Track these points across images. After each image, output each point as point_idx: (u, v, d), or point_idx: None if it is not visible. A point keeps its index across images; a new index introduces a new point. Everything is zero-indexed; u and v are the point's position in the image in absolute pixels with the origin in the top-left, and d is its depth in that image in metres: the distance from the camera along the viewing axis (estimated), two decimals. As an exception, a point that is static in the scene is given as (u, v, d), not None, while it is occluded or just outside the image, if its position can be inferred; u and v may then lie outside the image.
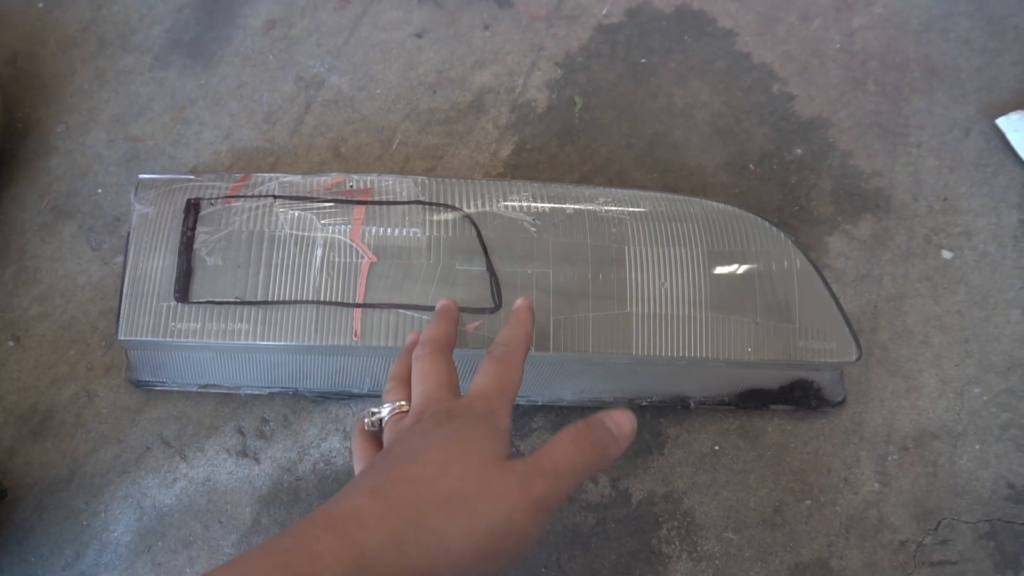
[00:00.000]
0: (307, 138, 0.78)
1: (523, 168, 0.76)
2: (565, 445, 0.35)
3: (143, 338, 0.59)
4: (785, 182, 0.75)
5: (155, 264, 0.60)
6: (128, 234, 0.62)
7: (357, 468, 0.44)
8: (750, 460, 0.64)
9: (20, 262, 0.73)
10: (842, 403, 0.63)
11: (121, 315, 0.59)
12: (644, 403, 0.63)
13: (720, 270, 0.59)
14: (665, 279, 0.58)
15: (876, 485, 0.63)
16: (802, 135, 0.78)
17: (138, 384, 0.65)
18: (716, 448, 0.64)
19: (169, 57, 0.83)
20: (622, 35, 0.83)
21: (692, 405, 0.63)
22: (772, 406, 0.63)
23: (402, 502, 0.31)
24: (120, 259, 0.72)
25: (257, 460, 0.64)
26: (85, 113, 0.80)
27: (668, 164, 0.76)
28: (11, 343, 0.70)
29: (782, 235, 0.60)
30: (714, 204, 0.61)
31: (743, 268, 0.59)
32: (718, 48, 0.83)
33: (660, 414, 0.65)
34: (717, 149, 0.77)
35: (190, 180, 0.64)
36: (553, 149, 0.77)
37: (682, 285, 0.58)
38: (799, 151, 0.77)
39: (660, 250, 0.59)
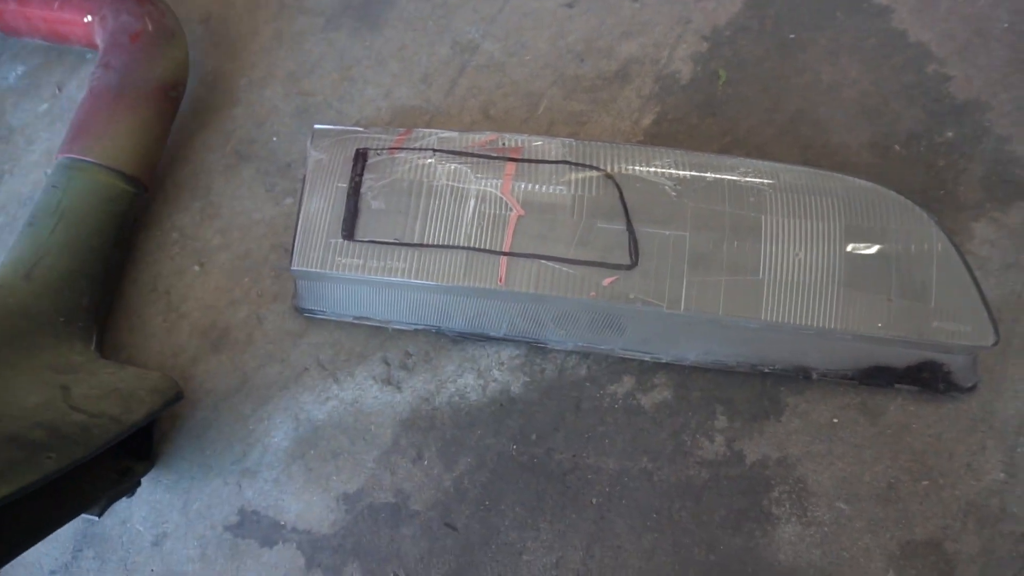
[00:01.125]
0: (460, 99, 0.83)
1: (663, 138, 0.78)
2: None
3: (312, 269, 0.67)
4: (932, 165, 0.74)
5: (326, 205, 0.67)
6: (303, 177, 0.70)
7: None
8: (869, 436, 0.64)
9: (206, 198, 0.83)
10: (973, 389, 0.63)
11: (295, 248, 0.67)
12: (766, 370, 0.65)
13: (856, 245, 0.60)
14: (800, 250, 0.60)
15: (1002, 475, 0.62)
16: (955, 118, 0.76)
17: (302, 311, 0.73)
18: (835, 420, 0.65)
19: (340, 20, 0.91)
20: (772, 9, 0.84)
21: (814, 376, 0.64)
22: (897, 385, 0.63)
23: None
24: (290, 200, 0.81)
25: (399, 388, 0.71)
26: (264, 69, 0.89)
27: (810, 141, 0.76)
28: (196, 268, 0.80)
29: (925, 215, 0.60)
30: (856, 180, 0.62)
31: (881, 245, 0.59)
32: (872, 25, 0.81)
33: (780, 382, 0.67)
34: (862, 128, 0.76)
35: (359, 132, 0.71)
36: (694, 120, 0.79)
37: (816, 257, 0.59)
38: (950, 134, 0.75)
39: (797, 222, 0.60)
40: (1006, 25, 0.79)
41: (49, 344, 0.63)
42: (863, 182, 0.63)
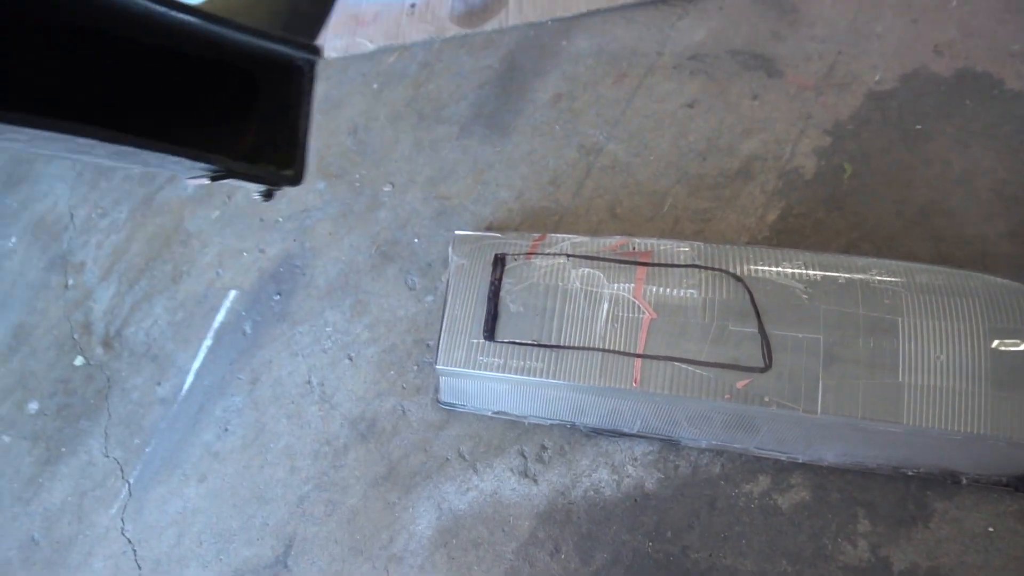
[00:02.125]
0: (587, 199, 0.88)
1: (789, 233, 0.79)
2: None
3: (456, 368, 0.72)
4: (1082, 256, 0.71)
5: (468, 307, 0.73)
6: (447, 281, 0.76)
7: None
8: (1030, 547, 0.61)
9: (356, 295, 0.92)
10: None
11: (440, 348, 0.73)
12: (910, 472, 0.63)
13: (1004, 347, 0.58)
14: (941, 352, 0.59)
15: None
16: (1104, 205, 0.73)
17: (444, 405, 0.78)
18: (991, 530, 0.62)
19: (472, 127, 0.99)
20: (895, 101, 0.84)
21: (964, 481, 0.62)
22: (1060, 493, 0.60)
23: None
24: (430, 298, 0.87)
25: (536, 481, 0.75)
26: (406, 175, 0.98)
27: (942, 232, 0.75)
28: (347, 361, 0.88)
29: (1078, 316, 0.58)
30: (996, 280, 0.61)
31: (1030, 348, 0.58)
32: (1005, 111, 0.80)
33: (927, 486, 0.65)
34: (1000, 218, 0.75)
35: (496, 237, 0.76)
36: (820, 215, 0.80)
37: (960, 359, 0.59)
38: (1099, 222, 0.72)
39: (936, 323, 0.60)
40: None
41: None
42: (1004, 281, 0.62)
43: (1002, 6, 0.85)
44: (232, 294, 0.97)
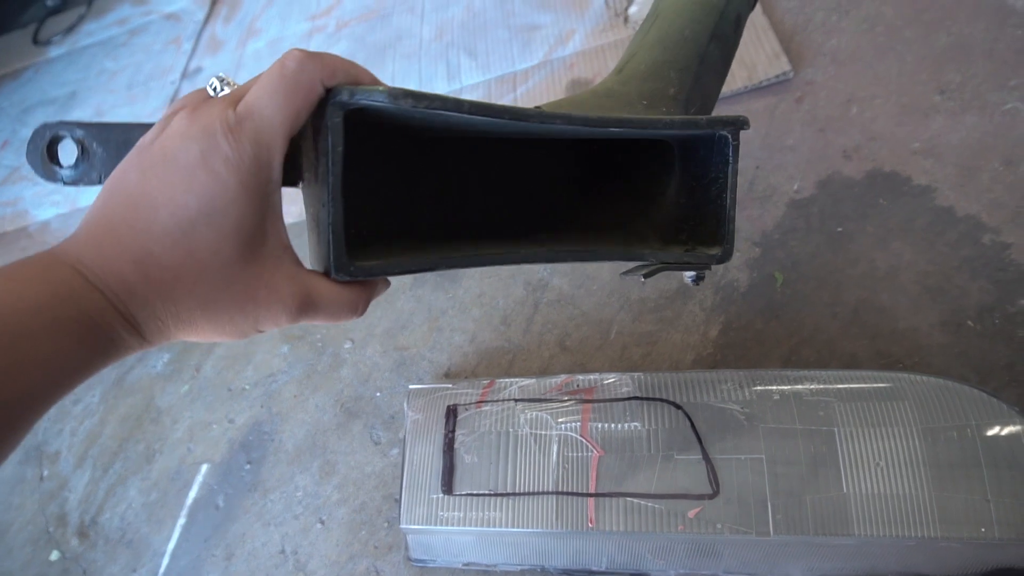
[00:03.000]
0: (537, 335, 0.91)
1: (731, 347, 0.82)
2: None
3: (419, 526, 0.72)
4: (1011, 336, 0.74)
5: (426, 462, 0.74)
6: (404, 437, 0.77)
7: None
8: (1010, 646, 0.60)
9: (324, 456, 0.92)
10: (1117, 582, 0.58)
11: (402, 507, 0.73)
12: (879, 582, 0.63)
13: (939, 448, 0.59)
14: (880, 459, 0.60)
15: None
16: (1024, 285, 0.76)
17: (415, 562, 0.78)
18: (968, 632, 0.61)
19: (424, 277, 1.03)
20: (815, 207, 0.89)
21: (933, 585, 0.61)
22: (1027, 586, 0.60)
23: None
24: (395, 451, 0.88)
25: (513, 633, 0.73)
26: (365, 330, 1.01)
27: (877, 329, 0.78)
28: (319, 525, 0.87)
29: (1004, 407, 0.60)
30: (925, 379, 0.63)
31: (964, 445, 0.59)
32: (917, 206, 0.85)
33: (899, 593, 0.64)
34: (928, 309, 0.78)
35: (448, 388, 0.78)
36: (759, 326, 0.82)
37: (899, 464, 0.60)
38: (1023, 301, 0.75)
39: (871, 430, 0.61)
40: (1052, 188, 0.81)
41: None
42: (933, 379, 0.64)
43: (898, 110, 0.92)
44: (204, 468, 0.97)
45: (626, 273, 0.51)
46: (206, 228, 0.30)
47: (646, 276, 0.48)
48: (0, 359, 0.26)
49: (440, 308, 0.98)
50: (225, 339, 0.34)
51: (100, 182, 0.37)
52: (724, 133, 0.43)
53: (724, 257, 0.46)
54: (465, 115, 0.34)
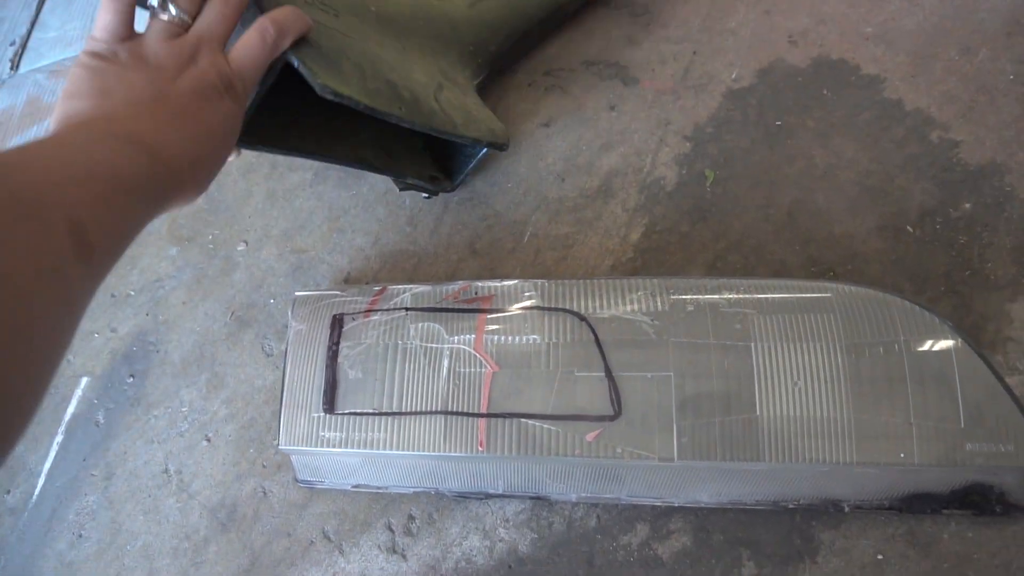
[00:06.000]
0: (445, 237, 0.82)
1: (653, 251, 0.74)
2: (253, 50, 0.48)
3: (299, 447, 0.65)
4: (952, 243, 0.67)
5: (307, 378, 0.66)
6: (285, 349, 0.69)
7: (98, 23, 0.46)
8: (923, 572, 0.56)
9: (212, 369, 0.84)
10: (1037, 507, 0.54)
11: (280, 426, 0.66)
12: (791, 505, 0.58)
13: (862, 365, 0.53)
14: (799, 378, 0.54)
15: (1089, 607, 0.53)
16: (971, 186, 0.69)
17: (302, 483, 0.71)
18: (879, 557, 0.57)
19: (326, 172, 0.92)
20: (754, 98, 0.80)
21: (846, 508, 0.57)
22: (945, 511, 0.55)
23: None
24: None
25: (404, 557, 0.68)
26: (260, 230, 0.91)
27: (811, 234, 0.71)
28: (204, 443, 0.80)
29: (936, 320, 0.54)
30: (851, 289, 0.56)
31: (889, 362, 0.53)
32: (863, 99, 0.76)
33: (811, 516, 0.60)
34: (867, 212, 0.70)
35: (336, 296, 0.70)
36: (684, 228, 0.74)
37: (818, 384, 0.54)
38: (967, 205, 0.68)
39: (791, 346, 0.55)
40: (1011, 77, 0.73)
41: (451, 56, 0.78)
42: (860, 289, 0.57)
43: (852, -13, 0.81)
44: (84, 381, 0.89)
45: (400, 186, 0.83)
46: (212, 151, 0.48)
47: (401, 189, 0.83)
48: (123, 197, 0.38)
49: (342, 207, 0.88)
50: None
51: None
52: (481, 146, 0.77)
53: (449, 188, 0.83)
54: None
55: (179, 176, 0.43)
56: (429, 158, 0.82)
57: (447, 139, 0.71)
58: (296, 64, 0.53)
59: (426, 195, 0.84)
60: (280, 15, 0.49)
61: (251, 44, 0.47)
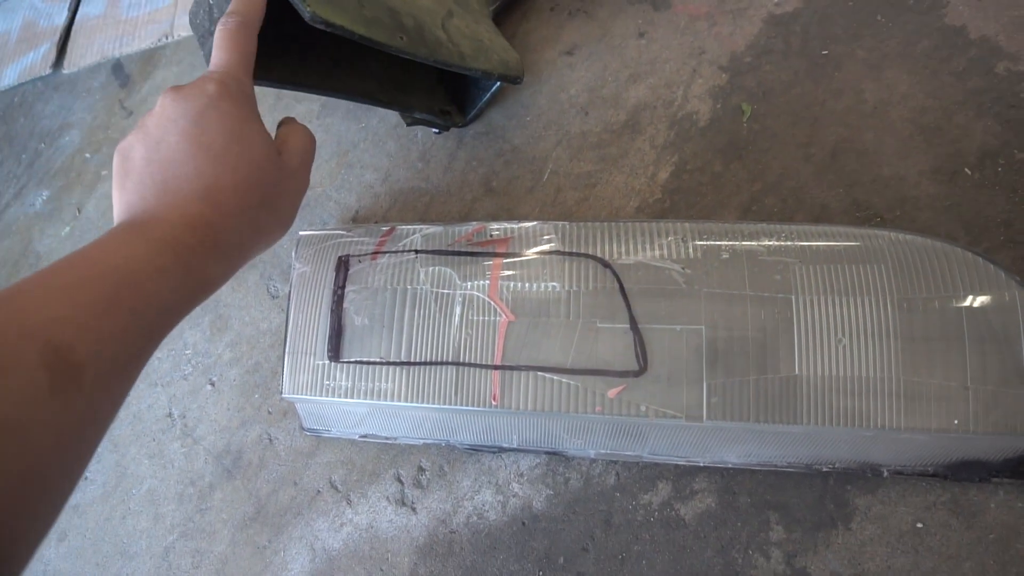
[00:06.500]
0: (460, 174, 0.77)
1: (683, 192, 0.68)
2: (221, 41, 0.46)
3: (303, 396, 0.62)
4: (1015, 188, 0.61)
5: (311, 323, 0.62)
6: (289, 293, 0.65)
7: None
8: (966, 543, 0.52)
9: (216, 311, 0.81)
10: (1094, 479, 0.50)
11: (284, 374, 0.63)
12: (825, 469, 0.54)
13: (915, 322, 0.48)
14: (843, 335, 0.49)
15: None
16: (1038, 125, 0.62)
17: (308, 431, 0.68)
18: (919, 526, 0.54)
19: (334, 104, 0.86)
20: (798, 24, 0.72)
21: (885, 473, 0.53)
22: (995, 479, 0.51)
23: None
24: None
25: (414, 510, 0.65)
26: (265, 164, 0.86)
27: (856, 176, 0.65)
28: (208, 387, 0.77)
29: (1002, 274, 0.48)
30: (906, 237, 0.51)
31: (946, 318, 0.48)
32: (922, 25, 0.69)
33: (846, 480, 0.56)
34: (920, 153, 0.64)
35: (342, 236, 0.65)
36: (717, 168, 0.69)
37: (865, 342, 0.49)
38: (1034, 146, 0.62)
39: (837, 299, 0.50)
40: (1093, 2, 0.65)
41: None
42: (916, 237, 0.51)
43: (914, -102, 0.73)
44: (86, 320, 0.85)
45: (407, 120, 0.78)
46: (236, 154, 0.43)
47: (408, 124, 0.78)
48: (129, 301, 0.33)
49: (351, 140, 0.83)
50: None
51: None
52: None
53: (462, 124, 0.78)
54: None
55: (231, 229, 0.42)
56: (443, 90, 0.77)
57: (455, 72, 0.66)
58: None
59: (436, 130, 0.79)
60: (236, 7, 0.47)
61: (218, 38, 0.46)
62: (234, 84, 0.44)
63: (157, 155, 0.40)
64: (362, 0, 0.55)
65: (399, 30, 0.58)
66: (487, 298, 0.57)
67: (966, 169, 0.63)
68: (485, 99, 0.75)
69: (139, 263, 0.35)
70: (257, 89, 0.78)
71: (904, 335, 0.48)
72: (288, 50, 0.61)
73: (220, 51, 0.45)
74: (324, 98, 0.87)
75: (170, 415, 0.78)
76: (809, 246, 0.52)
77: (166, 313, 0.36)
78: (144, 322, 0.34)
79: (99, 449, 0.76)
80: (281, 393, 0.63)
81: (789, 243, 0.53)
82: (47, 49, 1.13)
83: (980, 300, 0.48)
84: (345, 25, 0.51)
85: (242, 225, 0.42)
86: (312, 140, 0.52)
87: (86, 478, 0.79)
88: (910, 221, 0.62)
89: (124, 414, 0.80)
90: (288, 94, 0.89)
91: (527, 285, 0.56)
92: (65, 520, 0.78)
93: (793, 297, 0.51)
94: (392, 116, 0.82)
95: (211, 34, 0.53)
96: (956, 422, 0.47)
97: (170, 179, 0.40)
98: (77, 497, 0.79)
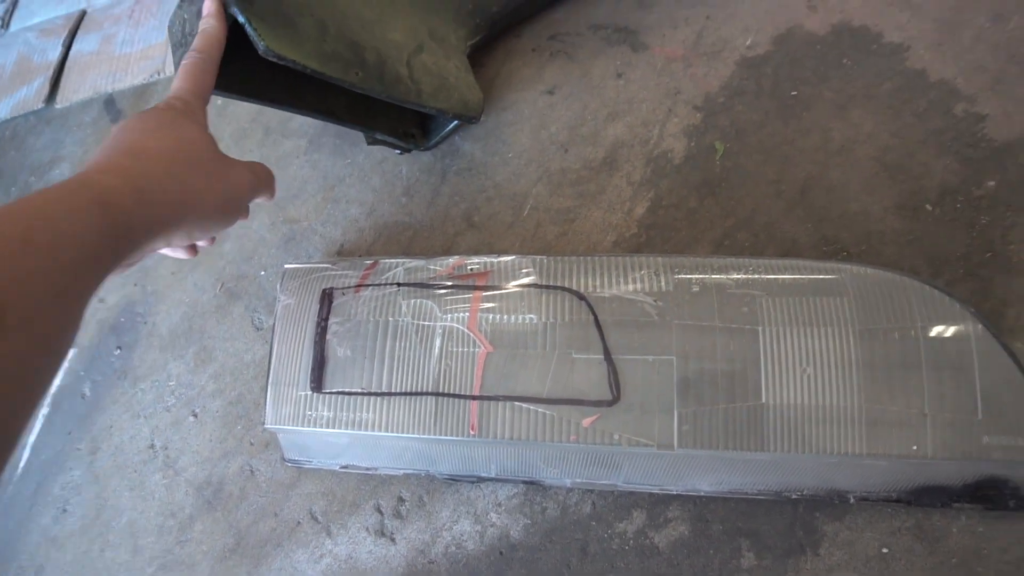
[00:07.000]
0: (442, 209, 0.79)
1: (659, 227, 0.71)
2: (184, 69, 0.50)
3: (285, 427, 0.62)
4: (973, 223, 0.64)
5: (295, 354, 0.64)
6: (274, 324, 0.66)
7: None
8: (929, 568, 0.54)
9: (200, 342, 0.82)
10: (1053, 504, 0.51)
11: (267, 405, 0.64)
12: (794, 496, 0.56)
13: (876, 352, 0.50)
14: (808, 364, 0.51)
15: (1107, 608, 0.50)
16: (996, 163, 0.65)
17: (289, 462, 0.69)
18: (885, 551, 0.55)
19: (321, 139, 0.89)
20: (769, 67, 0.76)
21: (851, 500, 0.54)
22: (956, 505, 0.53)
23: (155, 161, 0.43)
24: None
25: (393, 540, 0.66)
26: (252, 199, 0.88)
27: (824, 212, 0.67)
28: (192, 418, 0.78)
29: (955, 304, 0.50)
30: (868, 271, 0.53)
31: (905, 348, 0.50)
32: (885, 68, 0.72)
33: (814, 507, 0.57)
34: (884, 189, 0.67)
35: (327, 269, 0.67)
36: (692, 204, 0.71)
37: (829, 371, 0.51)
38: (991, 184, 0.65)
39: (801, 330, 0.52)
40: (1044, 49, 0.69)
41: (446, 14, 0.76)
42: (875, 270, 0.54)
43: (876, -50, 0.77)
44: (70, 352, 0.86)
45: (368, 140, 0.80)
46: (167, 135, 0.44)
47: (369, 143, 0.81)
48: (44, 239, 0.33)
49: (337, 175, 0.85)
50: (216, 223, 0.50)
51: None
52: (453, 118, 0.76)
53: (423, 147, 0.81)
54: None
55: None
56: (411, 114, 0.80)
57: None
58: (242, 21, 0.51)
59: (398, 151, 0.83)
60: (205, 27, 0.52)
61: (180, 70, 0.50)
62: (182, 105, 0.47)
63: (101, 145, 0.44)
64: (327, 31, 0.58)
65: (357, 65, 0.60)
66: (466, 330, 0.58)
67: (927, 205, 0.65)
68: (447, 129, 0.79)
69: (53, 205, 0.35)
70: (244, 124, 0.81)
71: (865, 364, 0.50)
72: (258, 66, 0.60)
73: (179, 80, 0.49)
74: (311, 133, 0.89)
75: (152, 446, 0.78)
76: (775, 279, 0.54)
77: (88, 254, 0.35)
78: (64, 261, 0.34)
79: (79, 481, 0.76)
80: (264, 424, 0.64)
81: (756, 276, 0.55)
82: (40, 84, 1.16)
83: (937, 331, 0.50)
84: (298, 59, 0.54)
85: (167, 177, 0.42)
86: (265, 168, 0.57)
87: (64, 510, 0.79)
88: (876, 255, 0.65)
89: (106, 445, 0.80)
90: (276, 130, 0.91)
91: (505, 317, 0.58)
92: (43, 553, 0.78)
93: (760, 328, 0.53)
94: (377, 152, 0.85)
95: (182, 45, 0.55)
96: (915, 447, 0.49)
97: (101, 151, 0.42)
98: (55, 529, 0.78)
